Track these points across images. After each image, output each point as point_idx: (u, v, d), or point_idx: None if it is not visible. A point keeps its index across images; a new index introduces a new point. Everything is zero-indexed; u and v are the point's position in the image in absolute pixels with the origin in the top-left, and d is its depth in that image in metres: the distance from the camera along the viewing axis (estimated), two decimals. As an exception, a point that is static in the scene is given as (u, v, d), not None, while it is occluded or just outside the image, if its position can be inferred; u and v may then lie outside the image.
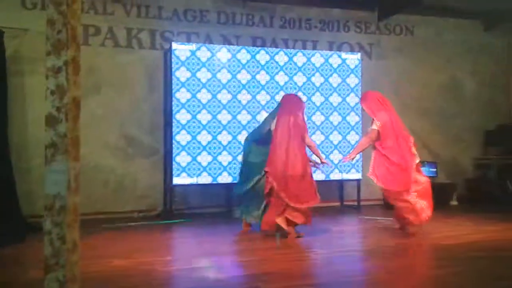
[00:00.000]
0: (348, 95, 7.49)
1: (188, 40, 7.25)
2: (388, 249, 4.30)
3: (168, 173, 6.94)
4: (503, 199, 7.83)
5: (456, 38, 8.67)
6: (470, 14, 8.56)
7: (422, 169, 8.09)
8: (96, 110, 6.88)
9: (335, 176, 7.46)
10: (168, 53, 6.96)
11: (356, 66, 7.57)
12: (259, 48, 7.26)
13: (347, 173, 7.48)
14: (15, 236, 5.05)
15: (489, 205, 7.61)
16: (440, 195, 7.99)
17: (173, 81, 6.71)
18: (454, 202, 8.07)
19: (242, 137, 6.79)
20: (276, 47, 7.58)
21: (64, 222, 2.10)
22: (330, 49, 7.94)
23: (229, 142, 6.87)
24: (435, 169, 8.20)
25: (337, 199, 7.90)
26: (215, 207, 7.17)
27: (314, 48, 7.84)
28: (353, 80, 7.54)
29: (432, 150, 8.51)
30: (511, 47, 8.98)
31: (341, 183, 7.77)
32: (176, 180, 6.67)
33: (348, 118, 7.49)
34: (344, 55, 7.58)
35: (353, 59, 7.58)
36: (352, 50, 8.04)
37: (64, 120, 2.12)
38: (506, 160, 8.21)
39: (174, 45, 6.76)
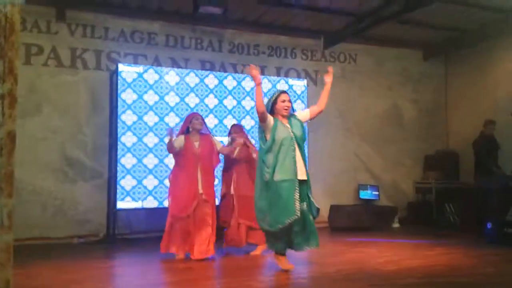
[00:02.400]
0: (294, 120, 7.62)
1: (136, 62, 7.17)
2: (330, 275, 4.36)
3: (112, 197, 6.75)
4: (442, 222, 8.16)
5: (397, 67, 9.08)
6: (410, 44, 9.00)
7: (365, 192, 8.37)
8: (36, 131, 6.65)
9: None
10: (114, 75, 6.84)
11: (302, 92, 7.75)
12: (208, 72, 7.28)
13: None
14: None
15: (429, 228, 7.91)
16: (383, 217, 8.27)
17: (119, 103, 6.59)
18: (396, 225, 8.32)
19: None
20: (225, 71, 7.64)
21: (-5, 263, 1.99)
22: (278, 74, 8.09)
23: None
24: (377, 192, 8.45)
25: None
26: (161, 232, 7.01)
27: (262, 73, 7.96)
28: (299, 106, 7.68)
29: (374, 174, 8.79)
30: (449, 76, 9.49)
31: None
32: (120, 204, 6.51)
33: (294, 142, 7.60)
34: (291, 81, 7.74)
35: (299, 85, 7.75)
36: (298, 76, 8.23)
37: (-2, 155, 2.02)
38: (444, 184, 8.58)
39: (121, 67, 6.66)
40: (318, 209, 4.47)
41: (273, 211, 4.27)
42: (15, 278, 3.80)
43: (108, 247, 6.32)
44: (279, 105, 4.40)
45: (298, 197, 4.25)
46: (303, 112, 4.64)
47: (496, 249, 5.75)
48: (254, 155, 5.40)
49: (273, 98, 4.44)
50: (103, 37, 7.10)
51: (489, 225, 6.30)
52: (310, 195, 4.44)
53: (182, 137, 5.28)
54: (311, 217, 4.43)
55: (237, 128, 5.80)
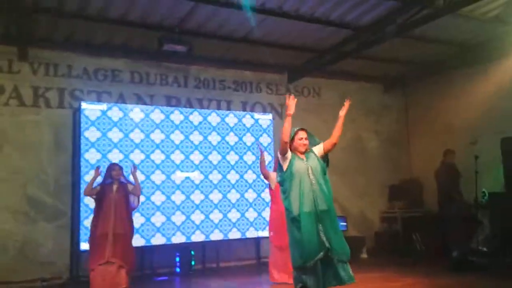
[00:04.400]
0: (261, 153, 7.66)
1: (99, 99, 7.11)
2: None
3: (75, 237, 6.56)
4: (409, 252, 8.21)
5: (359, 100, 9.26)
6: (371, 77, 9.27)
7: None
8: (-4, 171, 6.46)
9: (251, 234, 7.46)
10: (77, 113, 6.76)
11: (268, 126, 7.83)
12: (173, 107, 7.28)
13: (263, 230, 7.50)
14: None
15: (396, 257, 7.95)
16: (350, 248, 8.28)
17: (82, 141, 6.50)
18: (364, 255, 8.36)
19: (155, 197, 6.73)
20: (191, 106, 7.66)
21: None
22: (244, 108, 8.16)
23: (143, 203, 6.68)
24: (345, 223, 8.50)
25: (253, 257, 7.84)
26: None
27: (228, 107, 8.02)
28: (265, 139, 7.75)
29: (341, 204, 8.86)
30: (408, 107, 9.79)
31: (257, 240, 7.75)
32: (85, 246, 6.32)
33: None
34: (256, 115, 7.83)
35: (265, 119, 7.84)
36: (264, 110, 8.32)
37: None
38: (409, 213, 8.70)
39: (84, 105, 6.61)
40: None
41: (297, 246, 4.21)
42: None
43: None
44: (296, 142, 4.43)
45: (322, 228, 4.15)
46: (317, 146, 4.59)
47: (462, 277, 5.83)
48: (130, 188, 5.79)
49: (292, 135, 4.46)
50: (66, 75, 7.04)
51: (453, 254, 6.40)
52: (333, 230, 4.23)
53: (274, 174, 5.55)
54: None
55: (116, 167, 5.81)
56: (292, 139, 4.45)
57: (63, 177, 6.82)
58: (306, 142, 4.44)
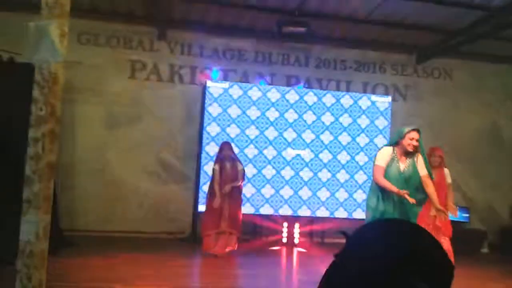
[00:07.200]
0: (376, 136, 7.60)
1: (226, 77, 7.74)
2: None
3: (197, 199, 7.41)
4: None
5: (497, 83, 8.50)
6: (511, 59, 8.37)
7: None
8: (137, 137, 7.55)
9: (358, 215, 7.53)
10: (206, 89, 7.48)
11: (386, 109, 7.68)
12: (289, 88, 7.58)
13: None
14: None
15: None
16: (470, 241, 7.85)
17: (205, 116, 7.22)
18: (484, 250, 7.87)
19: (266, 171, 7.20)
20: (310, 86, 7.88)
21: (32, 265, 2.57)
22: (364, 89, 8.10)
23: (254, 176, 7.23)
24: (467, 214, 8.05)
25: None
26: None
27: (348, 88, 8.05)
28: (382, 122, 7.65)
29: (466, 194, 8.36)
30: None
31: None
32: (202, 208, 7.12)
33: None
34: (373, 97, 7.72)
35: (382, 102, 7.70)
36: (386, 91, 8.15)
37: (38, 181, 2.61)
38: (546, 211, 7.89)
39: (209, 83, 7.28)
40: None
41: None
42: (93, 270, 4.53)
43: (191, 245, 6.94)
44: (406, 140, 4.29)
45: None
46: (422, 163, 4.39)
47: None
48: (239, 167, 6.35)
49: (403, 133, 4.34)
50: (198, 55, 7.78)
51: None
52: None
53: None
54: None
55: (225, 146, 6.35)
56: (403, 137, 4.32)
57: (191, 146, 7.67)
58: (417, 144, 4.28)
